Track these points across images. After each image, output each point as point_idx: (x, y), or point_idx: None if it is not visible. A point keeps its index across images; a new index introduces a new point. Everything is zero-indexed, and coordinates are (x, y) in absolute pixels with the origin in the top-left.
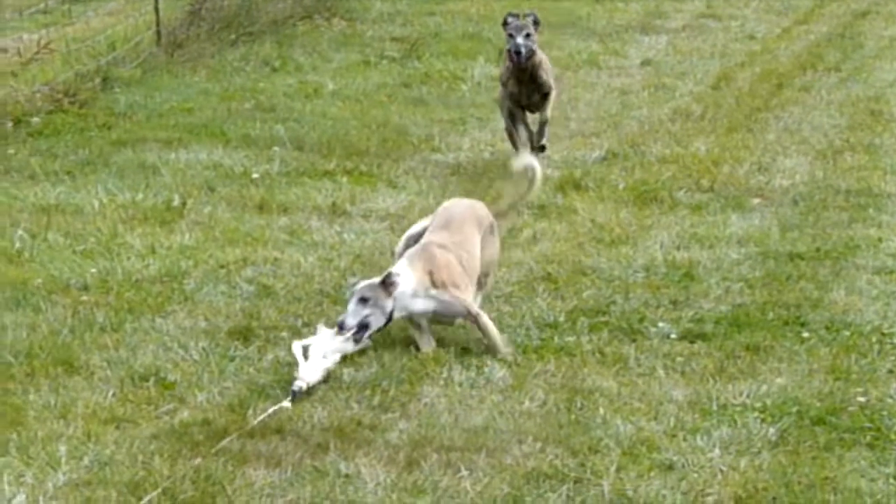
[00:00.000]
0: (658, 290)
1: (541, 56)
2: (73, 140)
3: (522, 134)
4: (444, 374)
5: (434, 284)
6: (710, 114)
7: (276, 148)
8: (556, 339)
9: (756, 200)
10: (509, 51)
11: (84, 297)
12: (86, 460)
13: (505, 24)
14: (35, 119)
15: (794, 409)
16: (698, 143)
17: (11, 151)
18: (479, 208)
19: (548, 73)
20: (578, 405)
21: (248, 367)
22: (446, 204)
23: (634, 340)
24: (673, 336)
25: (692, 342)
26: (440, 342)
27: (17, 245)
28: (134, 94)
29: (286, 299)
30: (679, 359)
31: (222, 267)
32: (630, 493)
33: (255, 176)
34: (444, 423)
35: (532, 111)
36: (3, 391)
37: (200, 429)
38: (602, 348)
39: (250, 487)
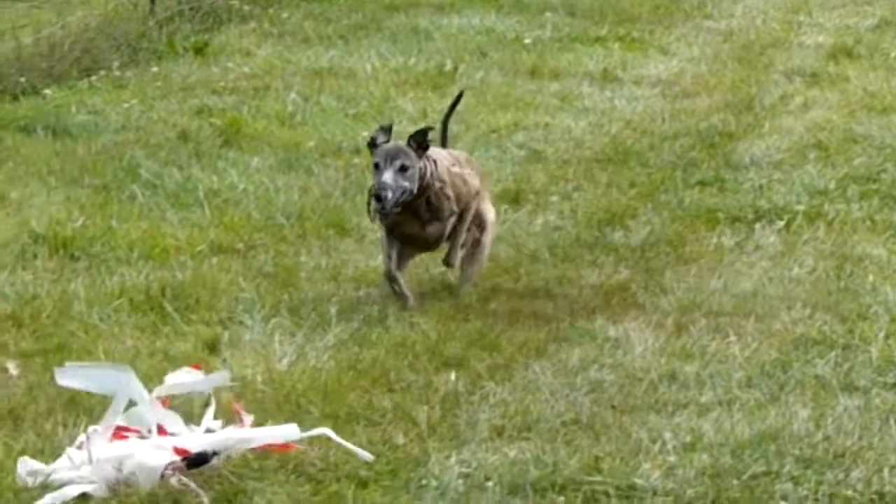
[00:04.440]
0: None
1: (443, 179)
2: (347, 4)
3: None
4: (714, 240)
5: None
6: None
7: (548, 13)
8: (826, 206)
9: None
10: (370, 191)
11: (356, 160)
12: (355, 321)
13: (371, 145)
14: None
15: None
16: None
17: (285, 15)
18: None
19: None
20: (848, 272)
21: (519, 231)
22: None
23: None
24: None
25: None
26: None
27: (290, 108)
28: None
29: (556, 164)
30: None
31: (493, 131)
32: None
33: (526, 41)
34: (713, 288)
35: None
36: (276, 253)
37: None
38: (872, 216)
39: (515, 342)
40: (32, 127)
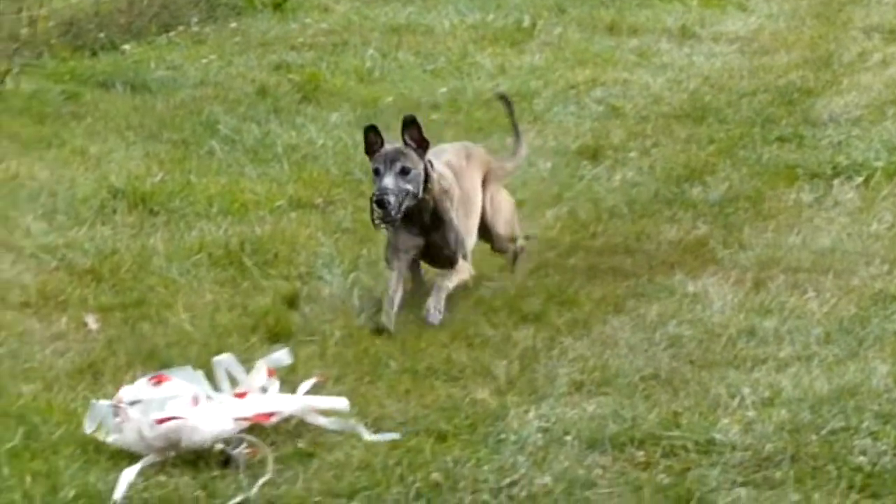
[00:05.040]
0: None
1: (448, 181)
2: None
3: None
4: (793, 196)
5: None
6: None
7: None
8: None
9: None
10: (372, 197)
11: (434, 116)
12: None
13: (369, 149)
14: None
15: None
16: None
17: None
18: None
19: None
20: None
21: (596, 186)
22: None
23: None
24: None
25: None
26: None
27: (368, 64)
28: None
29: (635, 120)
30: None
31: (572, 87)
32: None
33: None
34: (791, 244)
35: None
36: (355, 208)
37: (545, 244)
38: None
39: (593, 297)
40: (111, 82)
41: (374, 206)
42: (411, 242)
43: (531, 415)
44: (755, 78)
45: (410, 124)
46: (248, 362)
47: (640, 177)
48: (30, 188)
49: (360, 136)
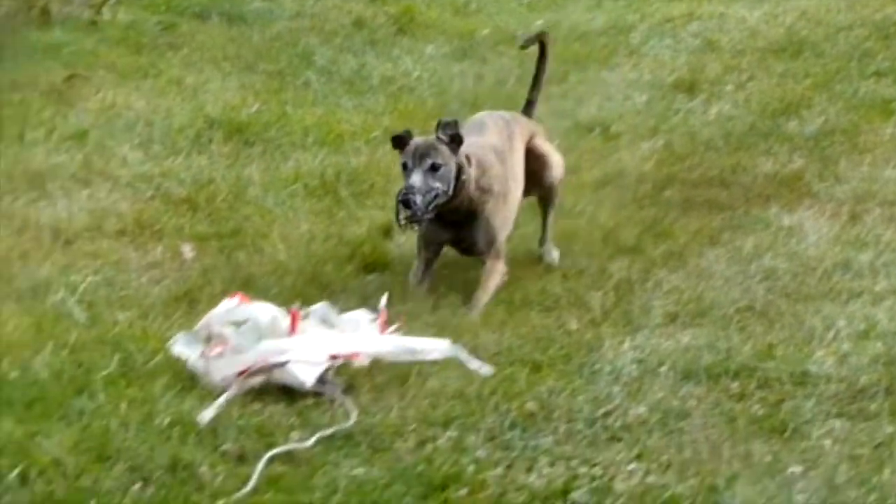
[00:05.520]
0: None
1: (489, 175)
2: None
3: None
4: (889, 130)
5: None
6: None
7: None
8: None
9: None
10: (398, 196)
11: (530, 49)
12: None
13: (399, 143)
14: None
15: None
16: None
17: None
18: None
19: (501, 205)
20: None
21: (692, 120)
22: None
23: None
24: None
25: None
26: None
27: None
28: None
29: (731, 53)
30: None
31: (668, 21)
32: None
33: None
34: (887, 177)
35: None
36: None
37: (641, 177)
38: None
39: (689, 230)
40: (207, 13)
41: (400, 205)
42: (443, 236)
43: (626, 346)
44: (852, 12)
45: (450, 124)
46: (344, 292)
47: (735, 110)
48: (126, 118)
49: (456, 68)
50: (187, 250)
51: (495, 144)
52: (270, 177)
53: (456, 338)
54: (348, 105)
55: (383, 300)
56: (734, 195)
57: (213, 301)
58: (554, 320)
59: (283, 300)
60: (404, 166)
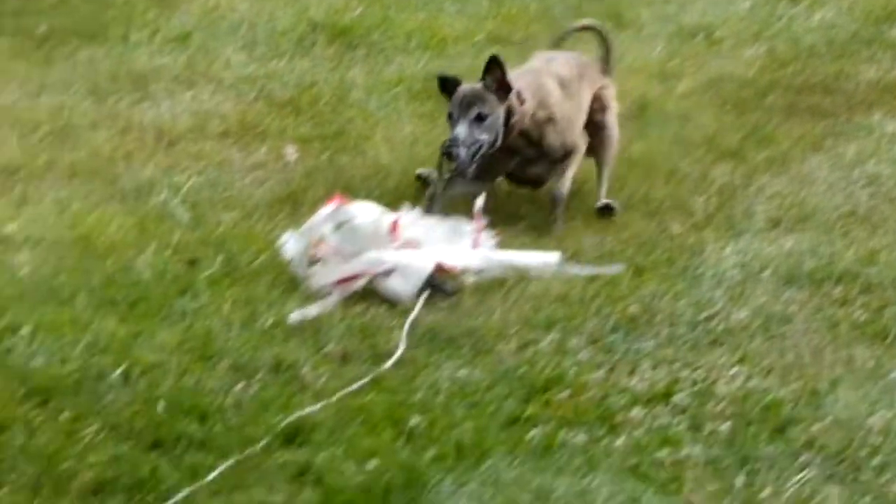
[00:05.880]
0: None
1: (547, 104)
2: None
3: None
4: None
5: None
6: None
7: None
8: None
9: None
10: (442, 147)
11: None
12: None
13: (444, 89)
14: None
15: None
16: None
17: None
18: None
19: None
20: None
21: (795, 26)
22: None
23: None
24: None
25: None
26: None
27: None
28: None
29: None
30: None
31: None
32: None
33: None
34: None
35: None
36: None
37: (743, 83)
38: None
39: (791, 136)
40: None
41: (444, 157)
42: (500, 168)
43: (728, 250)
44: None
45: (493, 65)
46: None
47: (839, 17)
48: (230, 20)
49: None
50: (291, 152)
51: (560, 73)
52: (373, 80)
53: (559, 242)
54: (451, 9)
55: (479, 202)
56: (837, 102)
57: (316, 203)
58: (657, 224)
59: (385, 202)
60: (450, 116)
